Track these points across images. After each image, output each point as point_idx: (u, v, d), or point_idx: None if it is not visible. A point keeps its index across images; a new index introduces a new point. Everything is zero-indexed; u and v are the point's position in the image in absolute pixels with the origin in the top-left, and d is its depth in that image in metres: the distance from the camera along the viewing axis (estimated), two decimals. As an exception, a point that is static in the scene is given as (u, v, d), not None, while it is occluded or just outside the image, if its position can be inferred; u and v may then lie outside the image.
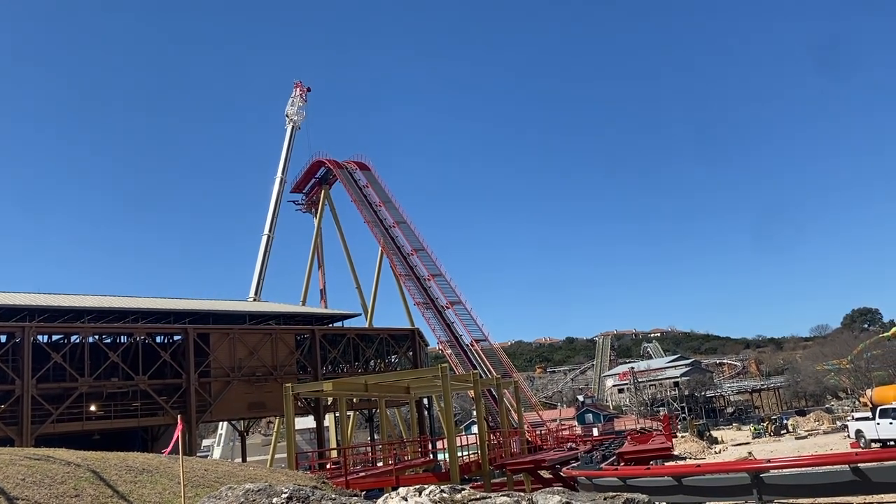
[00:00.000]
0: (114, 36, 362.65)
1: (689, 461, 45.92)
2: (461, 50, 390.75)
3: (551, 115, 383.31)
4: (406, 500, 4.43)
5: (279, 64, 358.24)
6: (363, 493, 23.01)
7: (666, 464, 34.18)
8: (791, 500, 19.77)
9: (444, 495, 4.58)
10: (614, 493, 5.15)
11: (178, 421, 8.93)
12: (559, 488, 5.19)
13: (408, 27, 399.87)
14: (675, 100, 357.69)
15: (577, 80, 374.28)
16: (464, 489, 4.80)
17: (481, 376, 48.46)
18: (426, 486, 4.75)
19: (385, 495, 4.82)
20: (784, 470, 19.65)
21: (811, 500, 19.76)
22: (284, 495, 5.74)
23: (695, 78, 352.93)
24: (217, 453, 70.87)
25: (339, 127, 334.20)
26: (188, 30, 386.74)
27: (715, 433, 77.45)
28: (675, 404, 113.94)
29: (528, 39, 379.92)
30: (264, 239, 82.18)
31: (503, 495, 4.54)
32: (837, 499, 19.08)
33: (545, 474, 34.21)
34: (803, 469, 19.35)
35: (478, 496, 4.60)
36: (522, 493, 4.69)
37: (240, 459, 52.97)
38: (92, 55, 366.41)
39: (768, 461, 20.92)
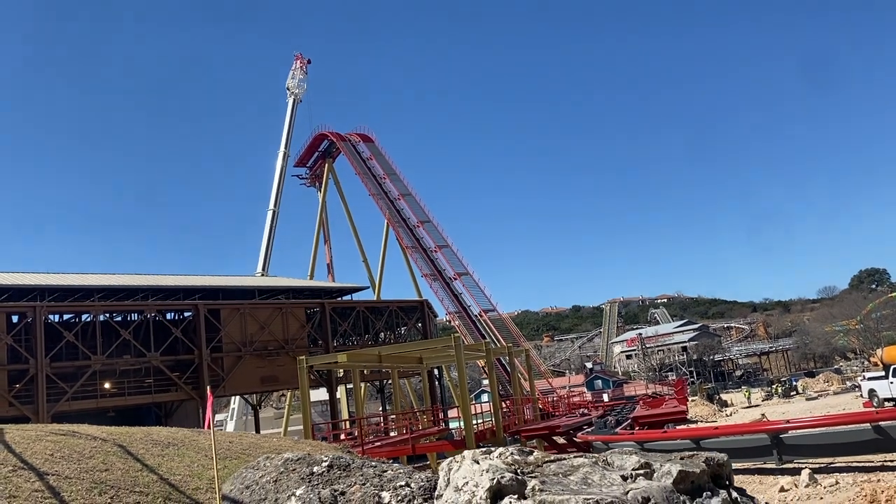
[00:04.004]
0: (112, 13, 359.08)
1: (700, 424, 46.08)
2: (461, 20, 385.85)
3: (551, 81, 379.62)
4: (478, 462, 4.26)
5: (279, 36, 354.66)
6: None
7: (678, 427, 34.26)
8: (811, 460, 19.74)
9: (517, 458, 4.42)
10: (692, 452, 4.97)
11: (209, 394, 8.81)
12: (630, 447, 5.00)
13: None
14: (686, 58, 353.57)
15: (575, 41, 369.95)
16: (533, 451, 4.64)
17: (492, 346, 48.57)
18: (495, 449, 4.59)
19: (449, 459, 4.68)
20: (804, 430, 19.61)
21: (830, 459, 19.74)
22: (325, 463, 5.61)
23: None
24: (230, 427, 71.52)
25: (341, 98, 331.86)
26: (187, 6, 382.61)
27: (724, 396, 77.60)
28: (684, 369, 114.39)
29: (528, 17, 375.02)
30: (269, 214, 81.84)
31: (577, 456, 4.37)
32: (858, 457, 19.03)
33: (559, 440, 34.40)
34: (824, 429, 19.31)
35: (551, 458, 4.45)
36: (596, 456, 4.55)
37: (253, 433, 53.37)
38: (90, 33, 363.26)
39: (787, 422, 20.89)
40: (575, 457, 4.46)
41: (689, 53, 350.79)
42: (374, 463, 5.84)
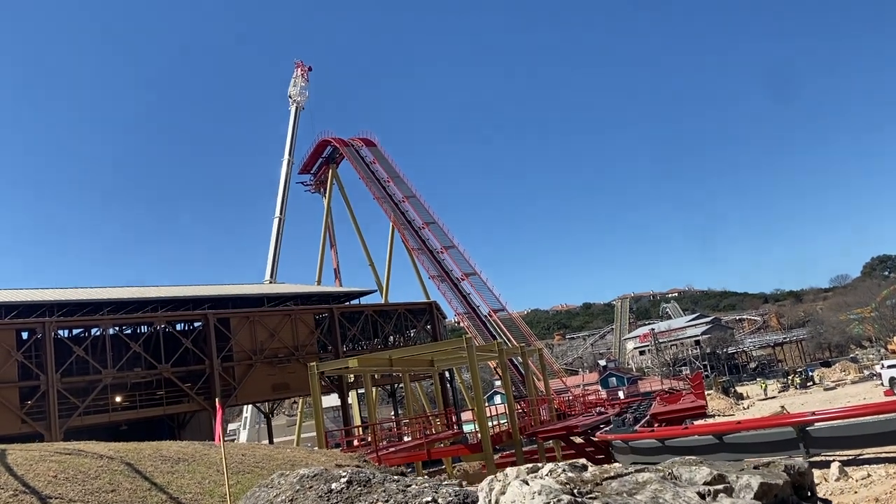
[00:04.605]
0: (115, 19, 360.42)
1: (719, 418, 45.46)
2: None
3: (553, 76, 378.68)
4: (527, 483, 3.80)
5: (281, 44, 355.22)
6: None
7: (696, 423, 33.66)
8: (839, 453, 19.16)
9: (571, 475, 3.95)
10: (769, 460, 4.51)
11: (217, 407, 8.41)
12: (692, 458, 4.53)
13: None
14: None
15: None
16: (587, 467, 4.18)
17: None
18: (543, 466, 4.13)
19: (490, 478, 4.24)
20: (832, 422, 19.02)
21: (859, 451, 19.16)
22: (343, 479, 5.20)
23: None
24: (243, 437, 71.22)
25: (344, 103, 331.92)
26: (192, 17, 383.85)
27: (740, 389, 76.91)
28: (698, 363, 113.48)
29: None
30: (276, 222, 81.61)
31: (641, 470, 3.92)
32: (887, 448, 18.45)
33: (577, 440, 33.87)
34: (853, 420, 18.71)
35: (611, 473, 3.99)
36: (661, 468, 4.09)
37: (266, 441, 53.08)
38: (90, 38, 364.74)
39: (813, 413, 20.30)
40: (638, 471, 3.98)
41: (694, 30, 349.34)
42: (395, 477, 5.41)
